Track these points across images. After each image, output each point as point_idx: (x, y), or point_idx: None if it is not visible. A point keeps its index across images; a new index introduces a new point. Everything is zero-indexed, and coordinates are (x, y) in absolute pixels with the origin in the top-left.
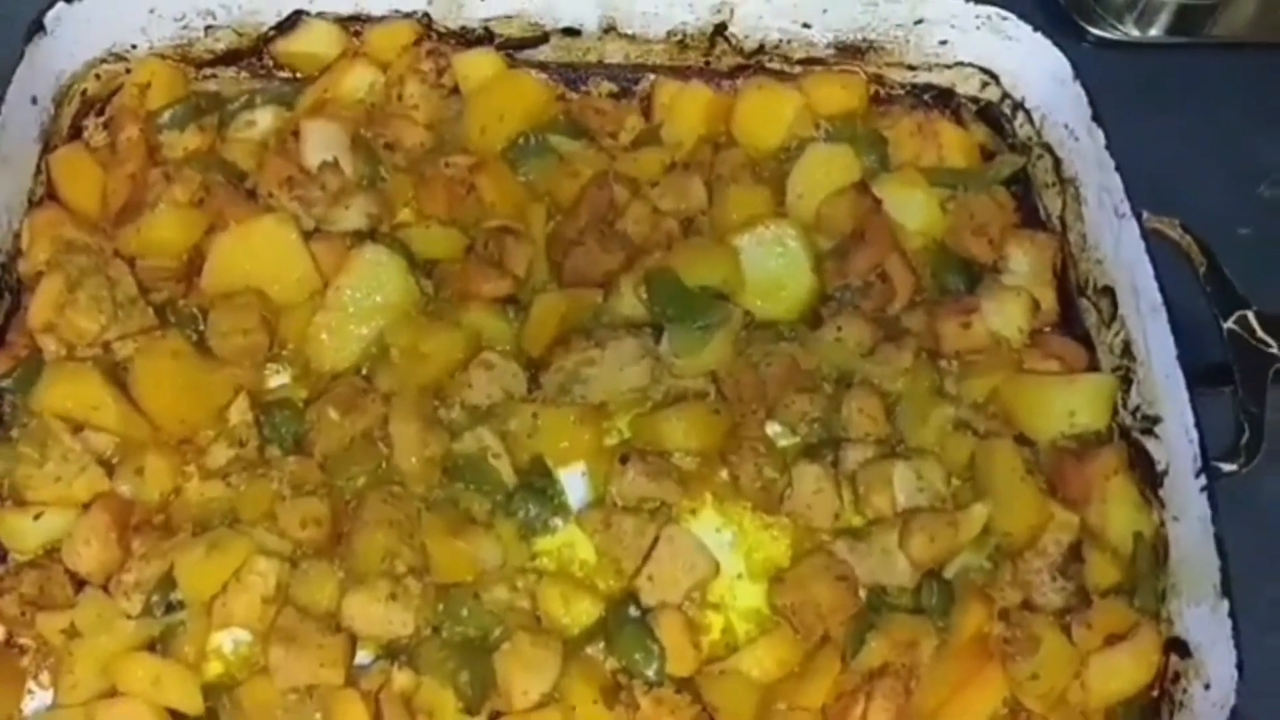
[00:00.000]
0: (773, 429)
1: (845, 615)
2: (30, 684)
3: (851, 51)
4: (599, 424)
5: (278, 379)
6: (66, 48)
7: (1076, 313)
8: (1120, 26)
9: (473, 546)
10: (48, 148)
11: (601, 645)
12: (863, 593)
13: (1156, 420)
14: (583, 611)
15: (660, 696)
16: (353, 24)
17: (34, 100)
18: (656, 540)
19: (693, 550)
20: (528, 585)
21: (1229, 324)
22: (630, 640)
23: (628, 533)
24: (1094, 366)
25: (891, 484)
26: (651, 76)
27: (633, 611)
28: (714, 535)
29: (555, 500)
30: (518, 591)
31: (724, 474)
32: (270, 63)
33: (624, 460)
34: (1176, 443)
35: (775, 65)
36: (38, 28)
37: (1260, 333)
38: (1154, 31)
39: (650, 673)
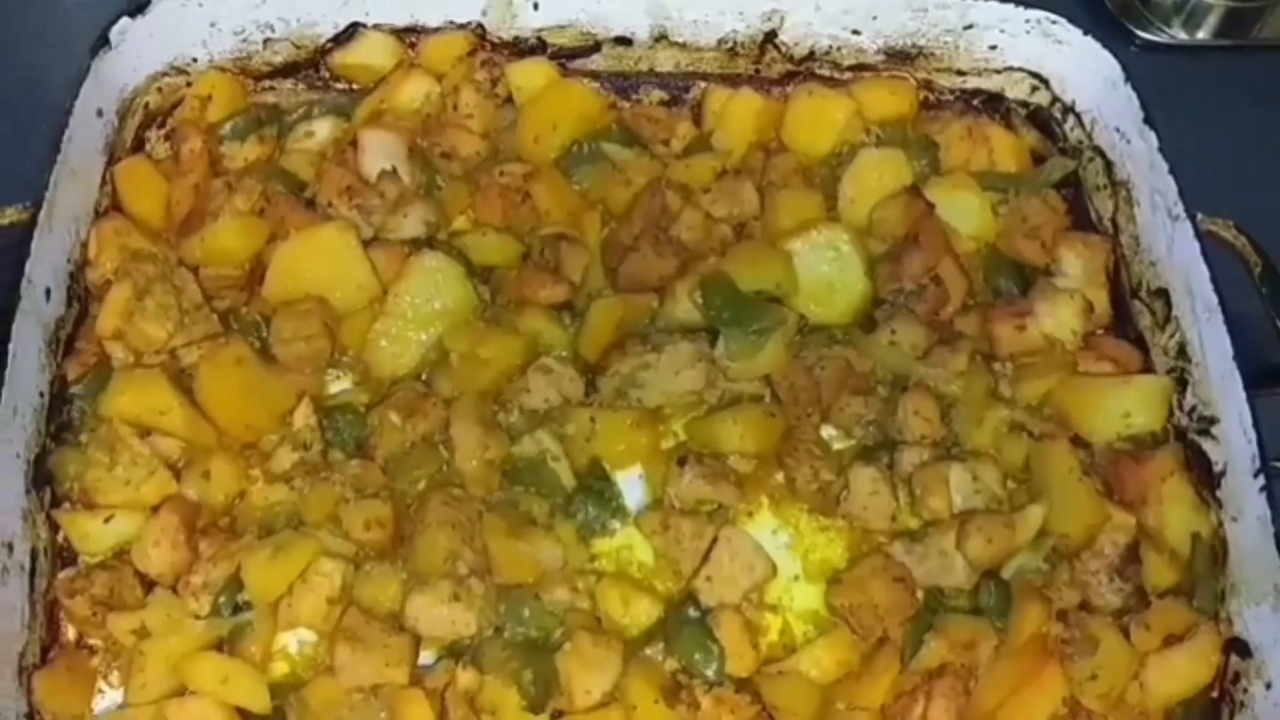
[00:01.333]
0: (828, 432)
1: (903, 616)
2: (100, 684)
3: (901, 57)
4: (655, 427)
5: (339, 384)
6: (130, 62)
7: (1130, 315)
8: (1168, 29)
9: (533, 548)
10: (112, 159)
11: (661, 646)
12: (920, 594)
13: (1213, 421)
14: (642, 612)
15: (721, 696)
16: (408, 35)
17: (99, 113)
18: (715, 542)
19: (750, 551)
20: (587, 586)
21: None
22: (690, 640)
23: (686, 535)
24: (1148, 368)
25: (948, 485)
26: (702, 84)
27: (692, 612)
28: (771, 537)
29: (613, 503)
30: (578, 592)
31: (780, 477)
32: (327, 74)
33: (681, 463)
34: (1234, 443)
35: (825, 72)
36: (103, 42)
37: None
38: (1201, 34)
39: (710, 672)
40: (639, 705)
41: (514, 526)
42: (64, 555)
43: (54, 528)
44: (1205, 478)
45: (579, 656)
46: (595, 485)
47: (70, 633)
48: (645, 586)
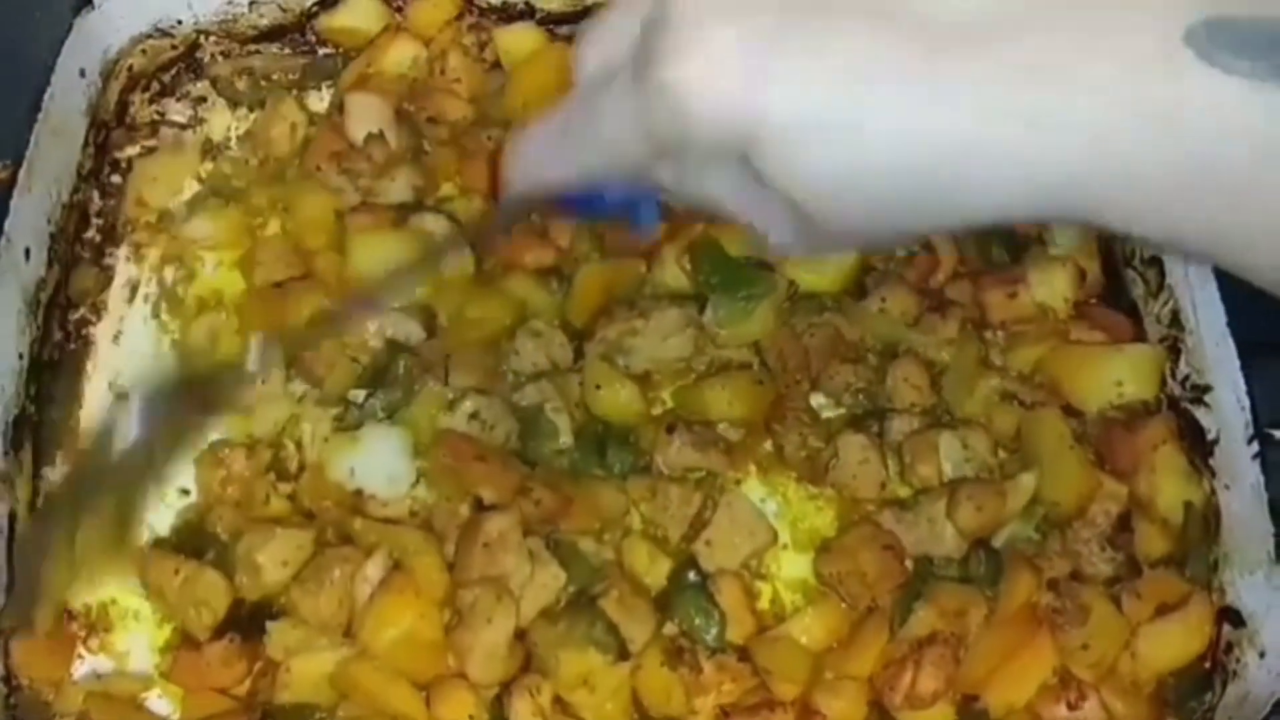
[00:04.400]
0: (817, 400)
1: (892, 584)
2: (80, 649)
3: None
4: (644, 394)
5: None
6: (113, 22)
7: (1123, 284)
8: None
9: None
10: (95, 121)
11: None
12: (909, 564)
13: (1206, 389)
14: (661, 572)
15: (723, 663)
16: None
17: (82, 73)
18: (715, 506)
19: (752, 517)
20: (614, 539)
21: None
22: (691, 604)
23: (674, 501)
24: (1141, 337)
25: (938, 453)
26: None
27: (692, 576)
28: (759, 505)
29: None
30: (604, 544)
31: (768, 444)
32: (314, 38)
33: (670, 430)
34: (1227, 410)
35: None
36: (85, 2)
37: None
38: None
39: (710, 638)
40: (644, 665)
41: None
42: None
43: (34, 491)
44: (1198, 446)
45: (622, 607)
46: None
47: None
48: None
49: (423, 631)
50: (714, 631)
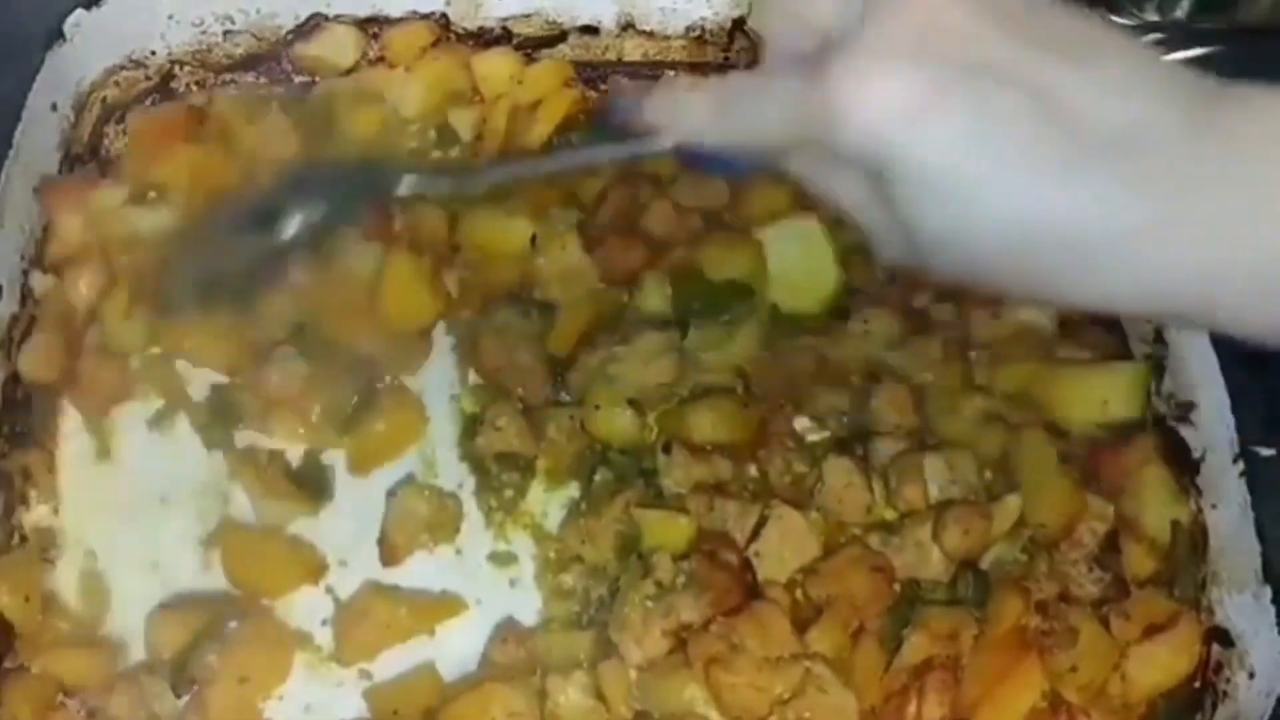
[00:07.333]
0: (801, 423)
1: (881, 606)
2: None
3: None
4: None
5: None
6: (85, 55)
7: None
8: (1141, 13)
9: None
10: (67, 155)
11: None
12: (896, 586)
13: (1191, 407)
14: None
15: None
16: (370, 26)
17: (54, 107)
18: (765, 519)
19: (801, 533)
20: None
21: None
22: None
23: (732, 515)
24: (1125, 355)
25: (923, 476)
26: (671, 73)
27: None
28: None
29: None
30: None
31: (753, 469)
32: (289, 67)
33: (665, 449)
34: (1212, 428)
35: None
36: (57, 35)
37: None
38: (1177, 15)
39: None
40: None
41: None
42: None
43: (9, 534)
44: (1184, 465)
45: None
46: None
47: None
48: None
49: None
50: None
